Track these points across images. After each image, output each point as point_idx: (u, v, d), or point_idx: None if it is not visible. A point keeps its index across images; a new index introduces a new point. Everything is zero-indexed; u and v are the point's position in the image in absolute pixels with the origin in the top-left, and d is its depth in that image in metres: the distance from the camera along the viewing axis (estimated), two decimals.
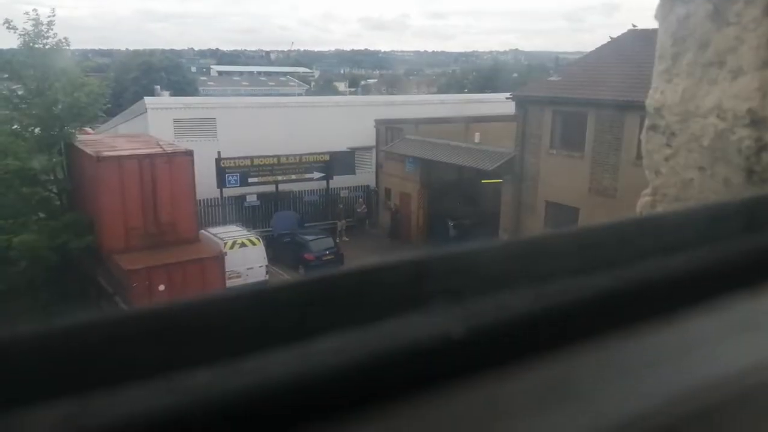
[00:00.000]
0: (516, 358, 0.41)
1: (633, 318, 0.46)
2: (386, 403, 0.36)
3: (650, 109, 0.97)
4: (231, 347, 0.35)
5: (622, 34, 20.36)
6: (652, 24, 0.99)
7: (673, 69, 0.94)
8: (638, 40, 18.97)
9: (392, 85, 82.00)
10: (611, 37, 20.75)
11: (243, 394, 0.33)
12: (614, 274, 0.48)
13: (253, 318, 0.38)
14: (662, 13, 0.95)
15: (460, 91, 57.92)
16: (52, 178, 18.32)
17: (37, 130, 17.70)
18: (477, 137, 22.15)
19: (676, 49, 0.93)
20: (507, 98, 21.07)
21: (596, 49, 20.85)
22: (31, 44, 17.59)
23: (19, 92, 17.88)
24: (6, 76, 18.21)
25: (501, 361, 0.40)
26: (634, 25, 19.58)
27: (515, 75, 64.73)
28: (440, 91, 63.16)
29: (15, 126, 17.74)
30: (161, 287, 14.72)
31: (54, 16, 17.89)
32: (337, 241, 22.78)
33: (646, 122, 0.99)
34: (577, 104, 18.03)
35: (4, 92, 18.18)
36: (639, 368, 0.44)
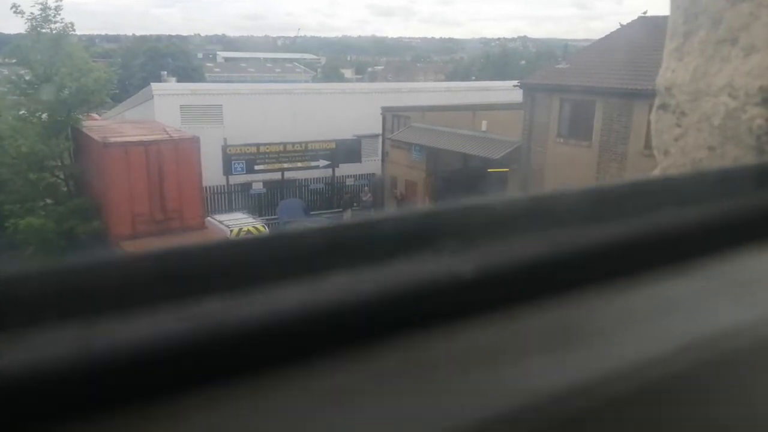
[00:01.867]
0: (523, 300, 0.42)
1: (642, 267, 0.47)
2: (397, 337, 0.37)
3: (660, 89, 0.95)
4: (245, 281, 0.36)
5: (632, 21, 20.15)
6: (662, 11, 0.97)
7: (685, 47, 0.92)
8: (648, 28, 18.78)
9: (399, 72, 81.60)
10: (621, 24, 20.56)
11: (253, 321, 0.34)
12: (623, 226, 0.49)
13: (268, 255, 0.40)
14: None
15: (468, 78, 57.66)
16: (60, 163, 18.36)
17: (44, 115, 17.71)
18: (484, 125, 22.02)
19: (687, 27, 0.91)
20: (515, 86, 20.93)
21: (605, 36, 20.65)
22: (38, 29, 17.55)
23: (27, 77, 17.87)
24: (14, 61, 18.22)
25: (509, 303, 0.41)
26: (644, 12, 19.36)
27: (523, 62, 64.29)
28: (448, 79, 62.91)
29: (22, 111, 17.76)
30: None
31: (61, 0, 17.85)
32: None
33: (656, 101, 0.98)
34: (585, 92, 17.88)
35: (12, 77, 18.19)
36: (646, 317, 0.44)
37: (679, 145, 0.93)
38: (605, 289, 0.45)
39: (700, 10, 0.89)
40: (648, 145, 16.03)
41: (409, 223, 0.45)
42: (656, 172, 0.99)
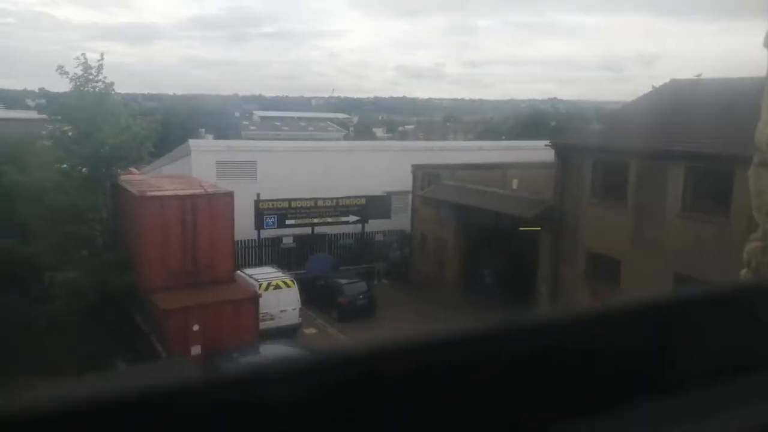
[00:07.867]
0: None
1: None
2: None
3: (761, 145, 0.85)
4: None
5: (664, 84, 20.14)
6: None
7: None
8: (681, 91, 18.72)
9: (430, 131, 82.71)
10: (654, 87, 20.55)
11: None
12: None
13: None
14: None
15: (498, 138, 58.00)
16: (97, 216, 18.77)
17: (84, 170, 18.26)
18: (515, 184, 21.95)
19: None
20: (546, 146, 20.90)
21: (638, 98, 20.63)
22: (81, 88, 18.28)
23: (69, 134, 18.52)
24: (59, 118, 18.95)
25: None
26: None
27: (554, 123, 64.57)
28: (478, 138, 63.41)
29: (64, 166, 18.36)
30: (195, 327, 14.72)
31: (102, 60, 18.53)
32: (375, 282, 23.42)
33: (755, 158, 0.87)
34: (618, 153, 17.71)
35: (56, 134, 18.90)
36: None
37: None
38: None
39: None
40: (684, 207, 15.64)
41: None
42: (757, 235, 0.87)
